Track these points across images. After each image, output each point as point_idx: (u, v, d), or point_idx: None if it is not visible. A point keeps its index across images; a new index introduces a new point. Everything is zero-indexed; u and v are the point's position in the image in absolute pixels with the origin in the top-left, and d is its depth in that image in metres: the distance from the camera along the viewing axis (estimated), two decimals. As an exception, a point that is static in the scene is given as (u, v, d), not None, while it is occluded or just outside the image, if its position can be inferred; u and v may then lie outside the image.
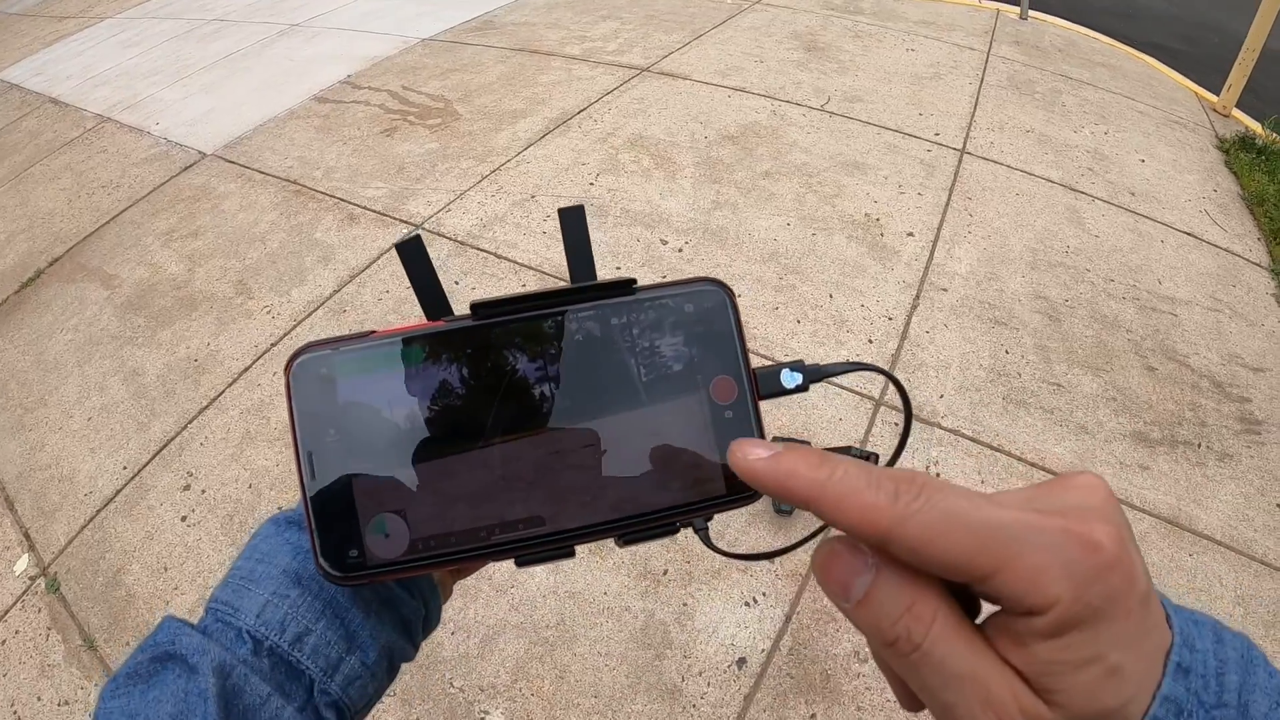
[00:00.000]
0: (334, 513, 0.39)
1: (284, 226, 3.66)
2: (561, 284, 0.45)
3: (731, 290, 0.44)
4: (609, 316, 0.43)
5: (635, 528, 0.42)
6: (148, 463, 2.70)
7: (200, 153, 4.38)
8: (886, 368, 2.86)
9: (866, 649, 2.06)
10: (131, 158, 4.46)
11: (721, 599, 2.19)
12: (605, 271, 3.25)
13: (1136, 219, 3.81)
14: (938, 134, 4.29)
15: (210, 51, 5.97)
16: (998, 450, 2.62)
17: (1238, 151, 4.61)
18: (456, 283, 3.22)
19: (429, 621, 0.48)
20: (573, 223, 0.49)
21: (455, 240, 3.46)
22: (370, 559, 0.39)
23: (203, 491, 2.60)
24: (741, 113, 4.40)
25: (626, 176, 3.87)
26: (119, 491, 2.65)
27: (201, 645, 0.39)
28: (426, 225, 3.56)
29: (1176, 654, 0.30)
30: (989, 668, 0.28)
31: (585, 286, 0.43)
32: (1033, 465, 2.58)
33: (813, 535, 0.55)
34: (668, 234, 3.48)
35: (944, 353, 2.96)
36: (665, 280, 0.44)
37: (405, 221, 3.60)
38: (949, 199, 3.76)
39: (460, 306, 0.45)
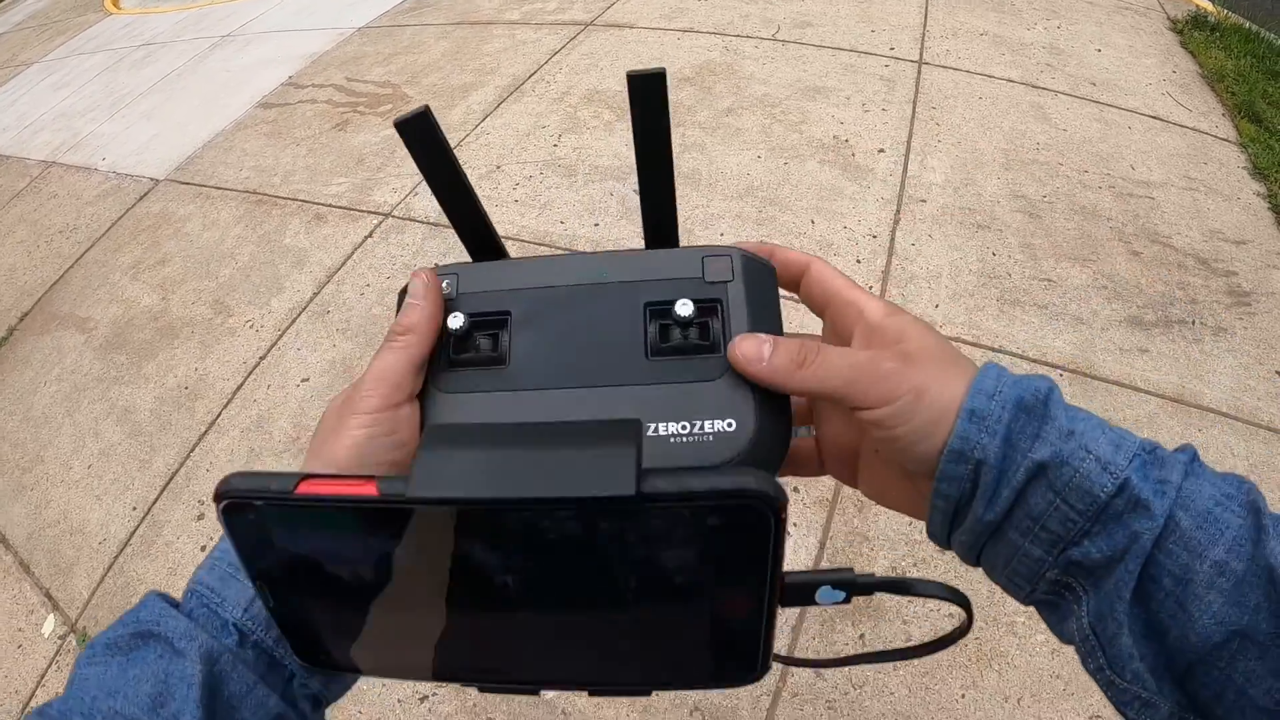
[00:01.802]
0: (298, 628, 0.39)
1: (252, 238, 3.60)
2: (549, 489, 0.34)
3: (778, 505, 0.33)
4: (601, 517, 0.33)
5: (605, 692, 0.41)
6: (157, 499, 2.67)
7: (153, 180, 4.29)
8: (878, 289, 2.86)
9: (903, 564, 2.08)
10: (84, 197, 4.35)
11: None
12: (582, 225, 3.22)
13: (1101, 108, 3.81)
14: (893, 48, 4.25)
15: (144, 77, 5.82)
16: (999, 351, 2.63)
17: (1191, 31, 4.61)
18: (437, 264, 3.18)
19: None
20: (647, 91, 0.46)
21: (427, 222, 3.42)
22: (339, 662, 0.39)
23: (217, 515, 2.57)
24: (694, 53, 4.35)
25: (589, 133, 3.82)
26: (133, 533, 2.61)
27: (189, 630, 0.39)
28: (395, 212, 3.51)
29: (970, 400, 0.39)
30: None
31: (571, 499, 0.33)
32: (1036, 361, 2.60)
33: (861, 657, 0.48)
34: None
35: (932, 263, 2.96)
36: (687, 476, 0.33)
37: (373, 212, 3.54)
38: (914, 111, 3.74)
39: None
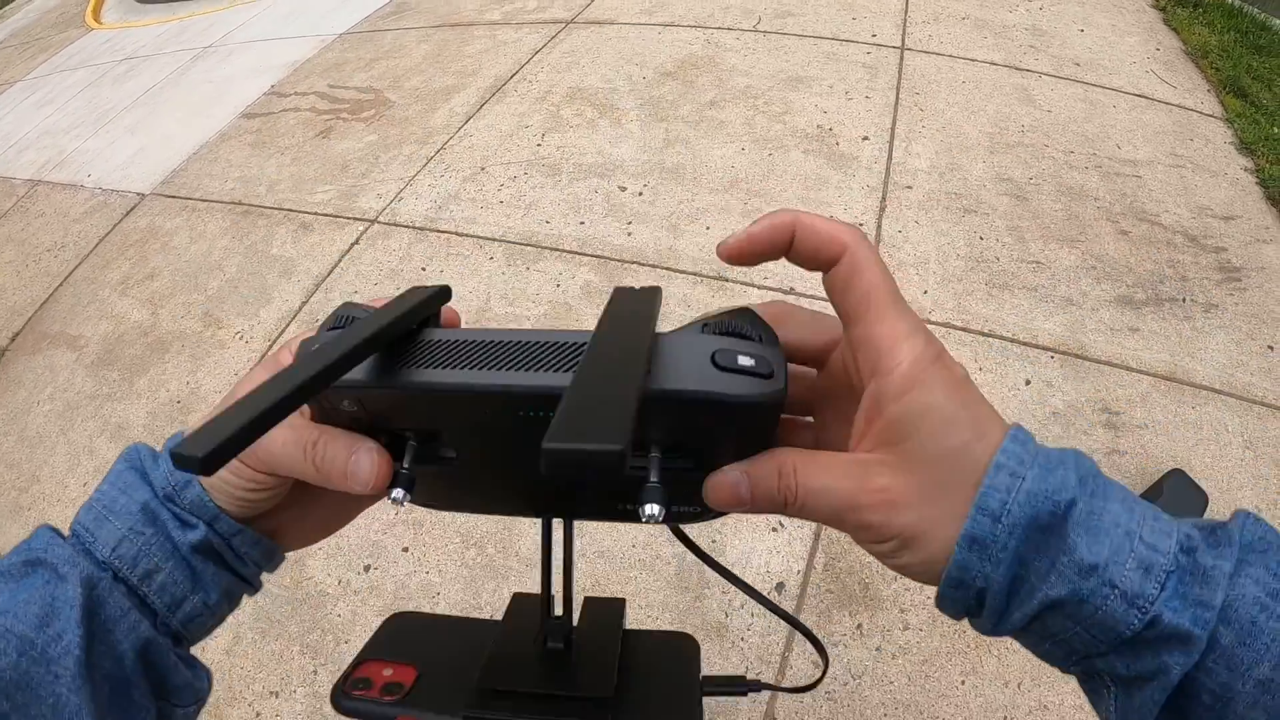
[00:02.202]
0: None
1: (239, 250, 3.59)
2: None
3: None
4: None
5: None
6: (152, 510, 2.66)
7: (139, 194, 4.27)
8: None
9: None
10: (71, 215, 4.34)
11: (748, 529, 2.20)
12: (568, 224, 3.22)
13: (1086, 88, 3.80)
14: (874, 35, 4.24)
15: (127, 91, 5.80)
16: (990, 335, 2.63)
17: (1174, 8, 4.60)
18: (424, 269, 3.17)
19: (266, 570, 0.51)
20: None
21: (414, 227, 3.41)
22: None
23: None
24: (675, 47, 4.34)
25: (572, 131, 3.81)
26: (130, 546, 2.60)
27: (71, 557, 0.42)
28: (381, 218, 3.50)
29: (1015, 431, 0.35)
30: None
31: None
32: (1026, 345, 2.59)
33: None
34: (625, 180, 3.44)
35: (920, 249, 2.95)
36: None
37: (359, 219, 3.53)
38: (897, 97, 3.73)
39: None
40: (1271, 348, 2.57)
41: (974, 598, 0.35)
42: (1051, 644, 0.35)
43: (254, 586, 0.50)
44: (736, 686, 0.49)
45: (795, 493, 0.37)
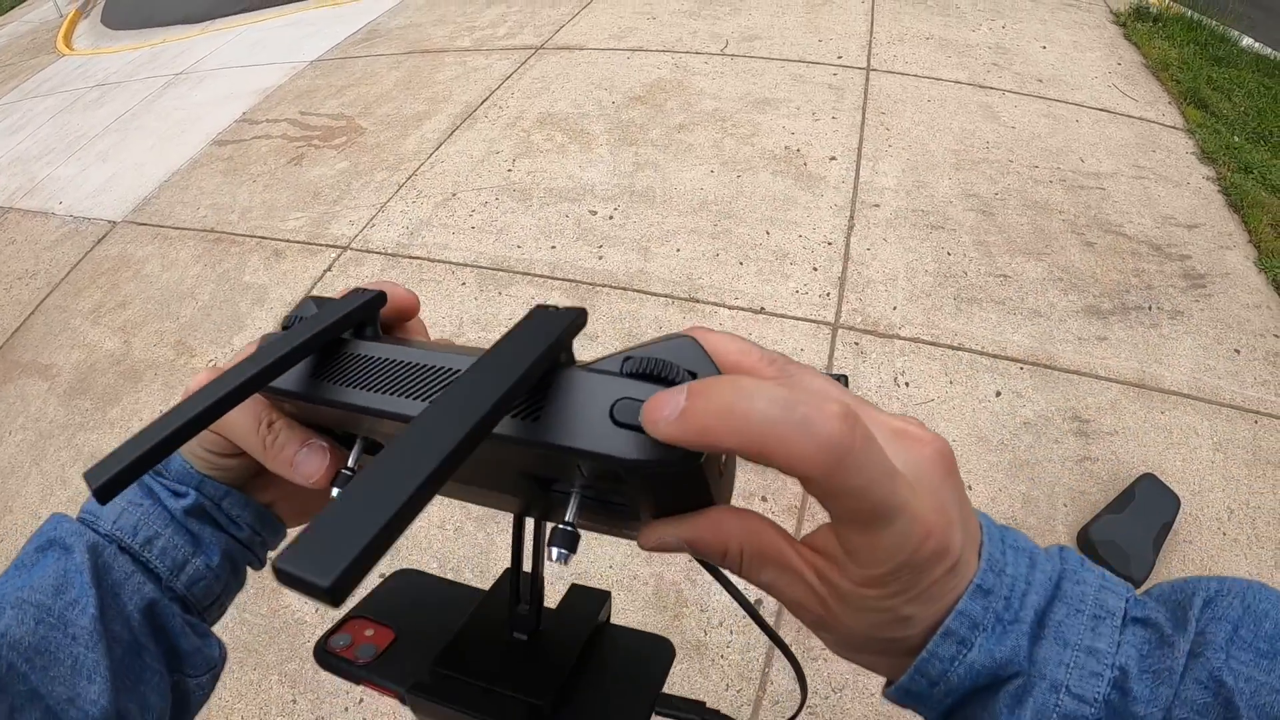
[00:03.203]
0: None
1: (211, 277, 3.57)
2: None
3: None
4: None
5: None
6: (125, 540, 2.64)
7: (110, 222, 4.25)
8: (835, 294, 2.89)
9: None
10: (42, 242, 4.31)
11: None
12: (539, 249, 3.23)
13: (1049, 104, 3.87)
14: (840, 56, 4.31)
15: (99, 118, 5.78)
16: (960, 349, 2.66)
17: (1134, 23, 4.71)
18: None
19: (269, 544, 0.52)
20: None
21: (386, 254, 3.41)
22: None
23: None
24: (644, 72, 4.38)
25: (543, 156, 3.84)
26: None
27: (78, 529, 0.45)
28: (353, 244, 3.50)
29: (979, 578, 0.32)
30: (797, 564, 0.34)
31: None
32: (996, 357, 2.62)
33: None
34: (595, 204, 3.46)
35: (888, 266, 2.99)
36: None
37: (331, 245, 3.53)
38: (864, 117, 3.78)
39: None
40: (1238, 351, 2.62)
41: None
42: None
43: (257, 557, 0.51)
44: (692, 712, 0.49)
45: (740, 574, 0.35)
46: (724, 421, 0.27)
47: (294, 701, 2.07)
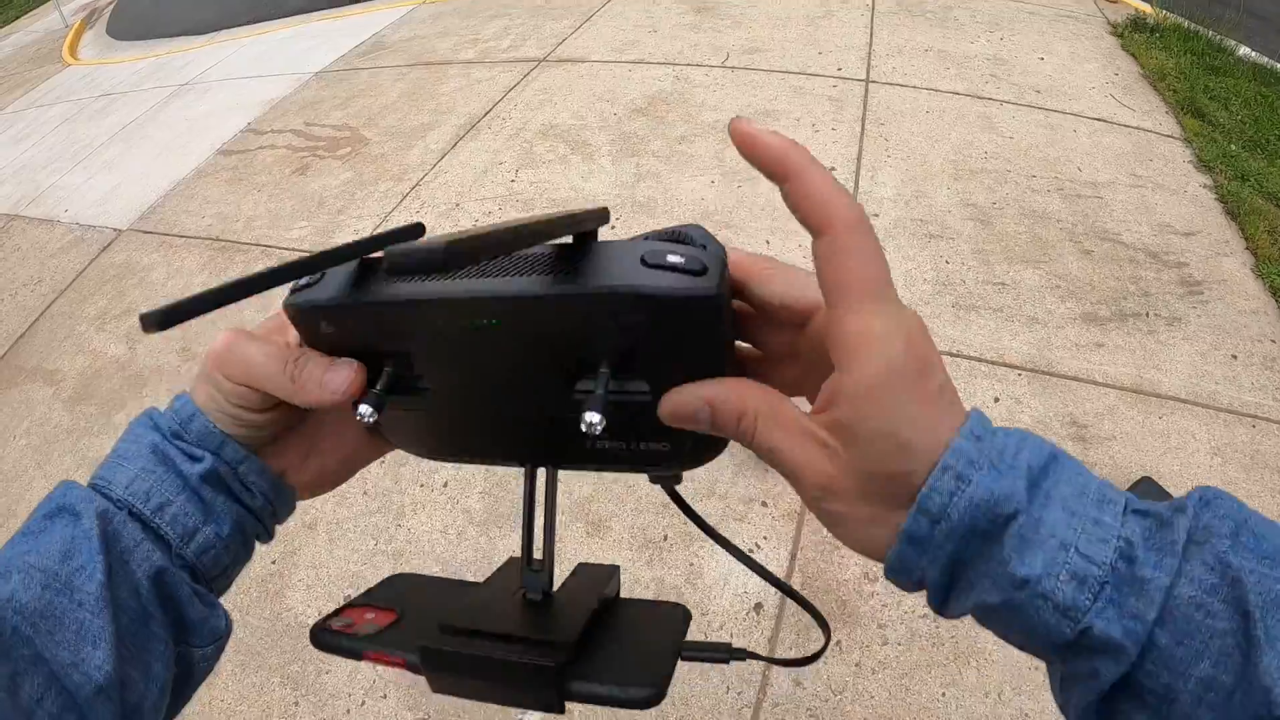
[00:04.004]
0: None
1: (215, 285, 3.60)
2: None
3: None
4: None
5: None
6: (130, 547, 2.65)
7: (115, 230, 4.29)
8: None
9: (875, 570, 2.11)
10: (47, 249, 4.35)
11: (725, 552, 2.21)
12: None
13: (1046, 114, 3.91)
14: (840, 69, 4.35)
15: (104, 127, 5.83)
16: (957, 356, 2.68)
17: (1131, 34, 4.74)
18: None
19: (278, 516, 0.52)
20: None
21: (391, 263, 3.44)
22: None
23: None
24: (645, 84, 4.42)
25: (545, 167, 3.87)
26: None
27: (87, 495, 0.44)
28: (359, 254, 3.53)
29: (971, 424, 0.35)
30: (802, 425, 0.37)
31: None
32: (994, 364, 2.65)
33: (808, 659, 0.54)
34: (598, 215, 3.49)
35: (888, 275, 3.01)
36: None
37: (337, 255, 3.56)
38: (863, 129, 3.82)
39: None
40: (1235, 357, 2.64)
41: (915, 584, 0.37)
42: (999, 632, 0.36)
43: (266, 529, 0.51)
44: (718, 652, 0.46)
45: (751, 438, 0.37)
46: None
47: (296, 704, 2.09)
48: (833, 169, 3.56)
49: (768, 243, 3.19)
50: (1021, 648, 0.36)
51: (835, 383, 0.35)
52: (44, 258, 4.28)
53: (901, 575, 0.36)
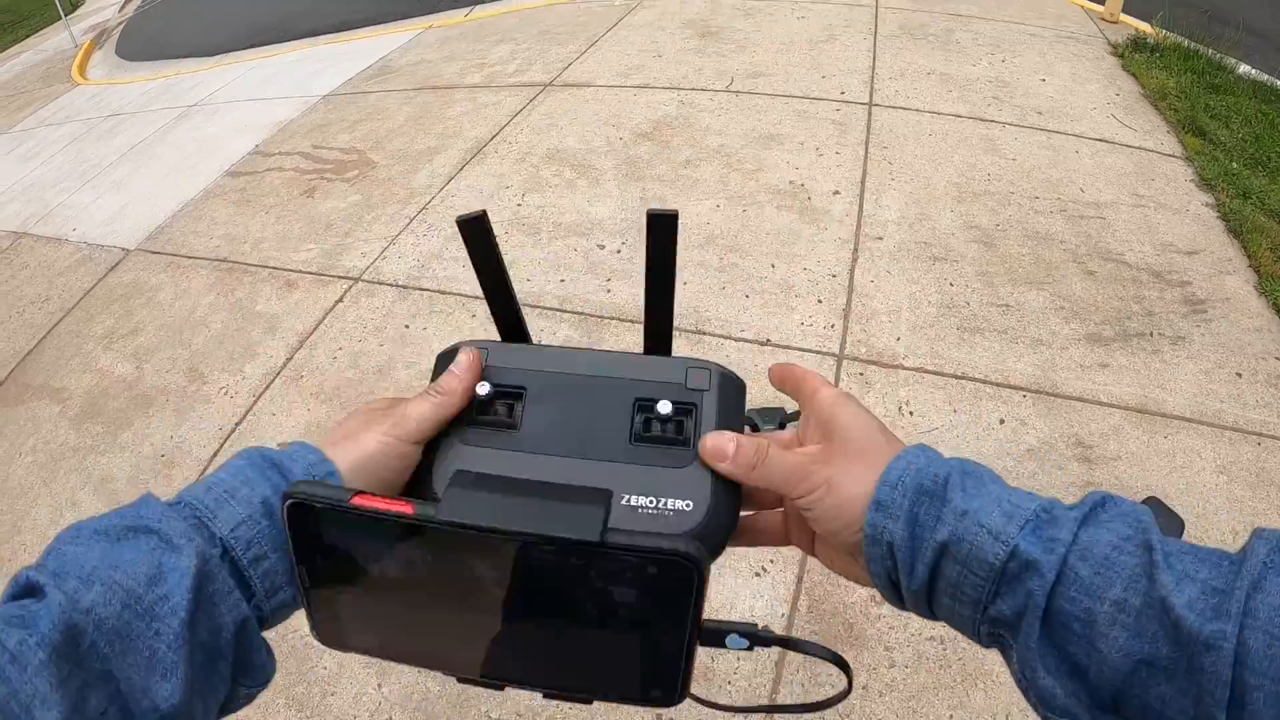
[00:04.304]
0: (320, 604, 0.49)
1: (223, 306, 3.62)
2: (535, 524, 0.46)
3: (702, 567, 0.43)
4: (571, 554, 0.44)
5: (554, 694, 0.49)
6: (136, 567, 2.65)
7: (123, 250, 4.31)
8: (840, 326, 2.92)
9: (877, 597, 2.10)
10: (55, 268, 4.37)
11: (731, 574, 2.22)
12: (548, 282, 3.28)
13: (1049, 135, 3.93)
14: (844, 92, 4.38)
15: (113, 147, 5.88)
16: (963, 378, 2.69)
17: (1132, 54, 4.77)
18: (407, 326, 3.22)
19: None
20: (662, 229, 0.55)
21: (397, 285, 3.46)
22: (345, 642, 0.51)
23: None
24: (650, 108, 4.45)
25: (552, 191, 3.90)
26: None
27: (187, 531, 0.45)
28: (364, 276, 3.56)
29: (919, 445, 0.48)
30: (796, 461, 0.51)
31: (555, 537, 0.44)
32: (999, 385, 2.65)
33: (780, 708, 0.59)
34: (603, 238, 3.51)
35: (892, 298, 3.03)
36: (639, 536, 0.44)
37: (343, 277, 3.59)
38: (867, 152, 3.84)
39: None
40: (1240, 374, 2.65)
41: (887, 556, 0.46)
42: (956, 600, 0.44)
43: None
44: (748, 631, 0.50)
45: (766, 456, 0.50)
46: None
47: (304, 726, 2.09)
48: (836, 192, 3.59)
49: (773, 266, 3.21)
50: (976, 615, 0.43)
51: (809, 412, 0.54)
52: (52, 276, 4.31)
53: (874, 546, 0.46)
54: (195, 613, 0.43)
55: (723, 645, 0.48)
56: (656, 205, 0.53)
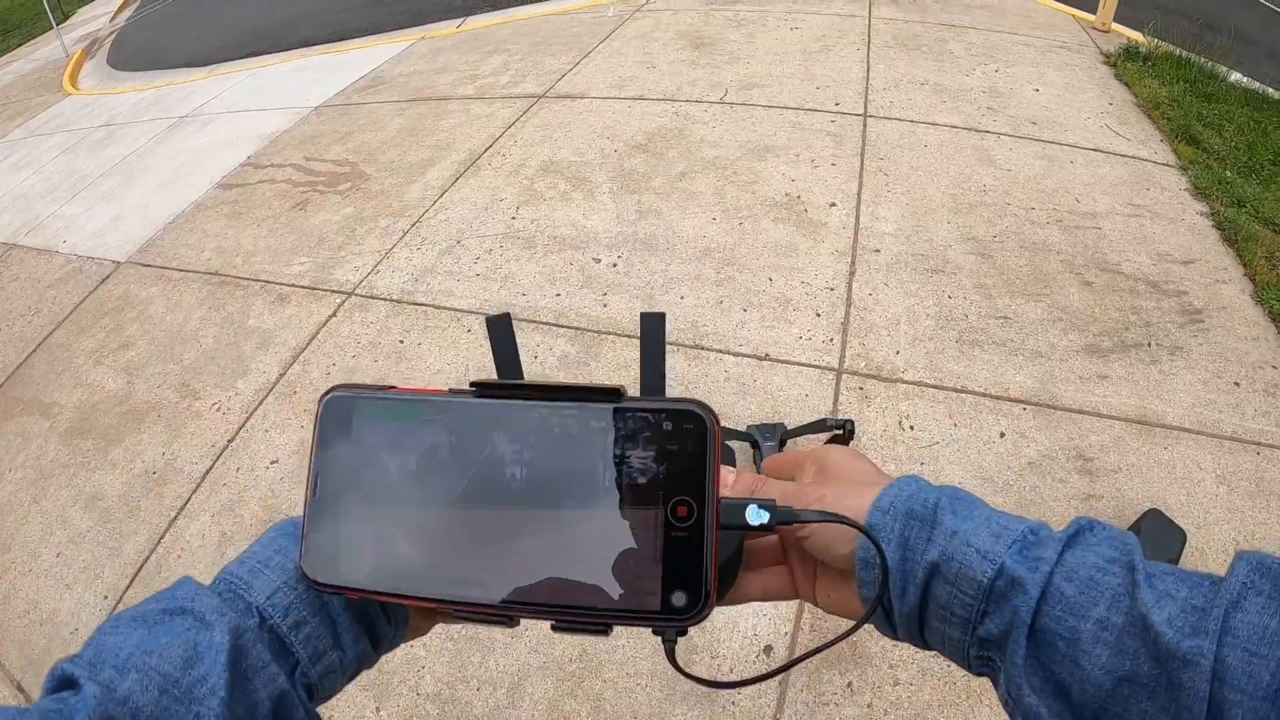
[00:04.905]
0: (322, 528, 0.49)
1: (215, 320, 3.59)
2: (555, 382, 0.47)
3: (715, 419, 0.45)
4: (590, 418, 0.45)
5: (568, 619, 0.46)
6: (128, 587, 2.62)
7: (114, 262, 4.28)
8: (838, 340, 2.91)
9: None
10: (45, 280, 4.34)
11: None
12: (544, 296, 3.26)
13: (1043, 146, 3.94)
14: (838, 103, 4.38)
15: (104, 158, 5.84)
16: (963, 391, 2.68)
17: (1124, 63, 4.79)
18: (401, 341, 3.20)
19: (393, 643, 0.56)
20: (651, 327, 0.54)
21: (391, 300, 3.43)
22: (341, 576, 0.48)
23: (190, 601, 2.52)
24: (645, 120, 4.45)
25: (546, 204, 3.88)
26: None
27: (219, 607, 0.45)
28: (358, 290, 3.53)
29: (869, 516, 0.47)
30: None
31: (575, 387, 0.46)
32: (998, 398, 2.64)
33: (780, 670, 0.59)
34: (599, 251, 3.50)
35: (890, 310, 3.02)
36: (653, 399, 0.46)
37: (336, 291, 3.56)
38: (862, 163, 3.84)
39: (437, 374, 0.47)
40: (1238, 384, 2.65)
41: (880, 579, 0.46)
42: (946, 624, 0.45)
43: (377, 656, 0.54)
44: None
45: (763, 483, 0.52)
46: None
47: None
48: (833, 204, 3.58)
49: (770, 280, 3.19)
50: (965, 639, 0.44)
51: (812, 469, 0.55)
52: (41, 288, 4.27)
53: (866, 569, 0.47)
54: (234, 690, 0.43)
55: (745, 525, 0.46)
56: (646, 309, 0.53)
